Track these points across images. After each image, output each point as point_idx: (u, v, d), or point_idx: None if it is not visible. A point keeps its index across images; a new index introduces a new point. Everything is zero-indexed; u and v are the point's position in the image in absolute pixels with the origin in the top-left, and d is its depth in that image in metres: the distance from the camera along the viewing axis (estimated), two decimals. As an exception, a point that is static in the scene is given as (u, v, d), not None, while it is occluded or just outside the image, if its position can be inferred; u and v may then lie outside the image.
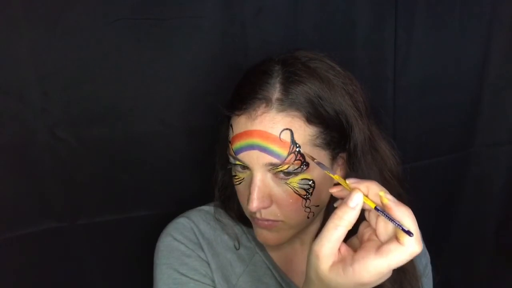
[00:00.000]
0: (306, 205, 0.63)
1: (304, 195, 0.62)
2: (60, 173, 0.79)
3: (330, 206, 0.67)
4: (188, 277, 0.67)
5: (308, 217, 0.64)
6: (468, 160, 1.14)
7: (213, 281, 0.69)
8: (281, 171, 0.60)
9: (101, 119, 0.79)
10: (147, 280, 0.71)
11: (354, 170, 0.64)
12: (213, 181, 0.74)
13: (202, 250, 0.70)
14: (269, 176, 0.61)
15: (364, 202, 0.47)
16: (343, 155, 0.65)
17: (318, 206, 0.65)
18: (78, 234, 0.83)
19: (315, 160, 0.58)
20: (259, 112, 0.60)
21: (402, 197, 0.69)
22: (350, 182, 0.50)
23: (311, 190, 0.62)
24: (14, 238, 0.79)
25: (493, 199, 1.20)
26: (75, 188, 0.81)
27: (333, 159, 0.64)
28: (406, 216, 0.45)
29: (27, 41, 0.72)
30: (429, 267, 0.79)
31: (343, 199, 0.50)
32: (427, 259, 0.79)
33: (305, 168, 0.61)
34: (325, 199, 0.66)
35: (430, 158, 1.09)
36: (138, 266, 0.82)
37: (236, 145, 0.62)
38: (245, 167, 0.63)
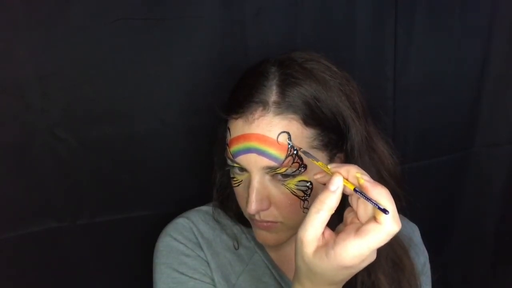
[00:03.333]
0: (304, 206, 0.63)
1: (302, 197, 0.62)
2: (60, 173, 0.79)
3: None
4: (187, 276, 0.67)
5: (306, 218, 0.64)
6: (468, 160, 1.14)
7: (213, 280, 0.69)
8: (279, 173, 0.60)
9: (101, 119, 0.79)
10: (147, 280, 0.71)
11: None
12: (212, 181, 0.74)
13: (202, 249, 0.70)
14: (267, 178, 0.61)
15: (345, 186, 0.48)
16: (341, 155, 0.65)
17: (316, 206, 0.65)
18: (78, 234, 0.83)
19: (301, 149, 0.58)
20: (256, 116, 0.60)
21: (400, 197, 0.69)
22: (331, 166, 0.51)
23: (308, 192, 0.62)
24: (14, 238, 0.79)
25: (493, 199, 1.20)
26: (75, 188, 0.81)
27: (331, 159, 0.64)
28: (382, 196, 0.46)
29: (27, 41, 0.72)
30: (428, 265, 0.79)
31: (324, 184, 0.50)
32: (425, 257, 0.79)
33: (303, 170, 0.61)
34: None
35: (430, 158, 1.09)
36: (138, 266, 0.82)
37: (234, 148, 0.62)
38: (243, 169, 0.63)
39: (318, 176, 0.53)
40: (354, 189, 0.48)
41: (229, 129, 0.63)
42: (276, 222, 0.64)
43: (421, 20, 0.98)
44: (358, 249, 0.45)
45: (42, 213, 0.80)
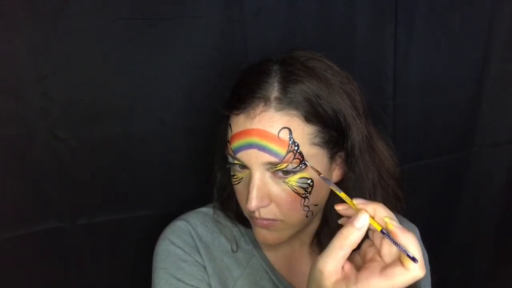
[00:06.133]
0: (305, 204, 0.63)
1: (303, 194, 0.62)
2: (60, 173, 0.79)
3: (328, 206, 0.68)
4: (184, 282, 0.67)
5: (307, 216, 0.64)
6: (468, 160, 1.14)
7: (210, 285, 0.69)
8: (279, 169, 0.60)
9: (101, 119, 0.79)
10: (147, 280, 0.71)
11: (352, 170, 0.65)
12: (212, 181, 0.74)
13: (199, 253, 0.70)
14: (267, 175, 0.61)
15: (369, 223, 0.48)
16: (341, 154, 0.65)
17: (316, 205, 0.65)
18: (78, 234, 0.83)
19: (321, 175, 0.58)
20: (257, 111, 0.60)
21: (400, 197, 0.69)
22: (357, 202, 0.50)
23: (309, 189, 0.62)
24: (14, 238, 0.79)
25: (493, 199, 1.20)
26: (75, 188, 0.81)
27: (331, 158, 0.64)
28: (411, 243, 0.46)
29: (27, 41, 0.72)
30: (428, 266, 0.79)
31: (348, 217, 0.51)
32: (425, 258, 0.79)
33: (303, 167, 0.61)
34: (324, 198, 0.66)
35: (430, 158, 1.09)
36: (138, 266, 0.82)
37: (235, 144, 0.62)
38: (243, 166, 0.63)
39: (340, 208, 0.53)
40: (381, 231, 0.48)
41: (230, 125, 0.64)
42: (276, 220, 0.64)
43: (421, 20, 0.98)
44: None
45: (42, 213, 0.80)
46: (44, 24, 0.72)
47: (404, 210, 0.70)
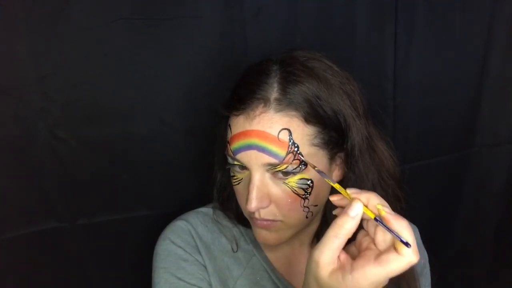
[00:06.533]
0: (305, 204, 0.63)
1: (303, 195, 0.62)
2: (60, 173, 0.79)
3: (328, 207, 0.68)
4: (185, 281, 0.67)
5: (306, 217, 0.64)
6: (468, 160, 1.14)
7: (210, 285, 0.69)
8: (279, 171, 0.60)
9: (101, 119, 0.79)
10: (147, 280, 0.71)
11: (352, 170, 0.65)
12: (212, 181, 0.74)
13: (200, 253, 0.70)
14: (267, 176, 0.61)
15: (363, 212, 0.48)
16: (341, 154, 0.65)
17: (316, 206, 0.65)
18: (78, 234, 0.83)
19: (315, 168, 0.58)
20: (257, 112, 0.60)
21: (400, 197, 0.69)
22: (351, 192, 0.51)
23: (309, 190, 0.62)
24: (14, 238, 0.79)
25: (493, 199, 1.20)
26: (75, 188, 0.81)
27: (331, 158, 0.64)
28: (404, 228, 0.46)
29: (27, 41, 0.72)
30: (428, 267, 0.79)
31: (342, 207, 0.51)
32: (425, 259, 0.79)
33: (303, 167, 0.61)
34: (324, 199, 0.66)
35: (430, 158, 1.09)
36: (137, 266, 0.82)
37: (235, 145, 0.62)
38: (243, 167, 0.63)
39: (334, 198, 0.53)
40: (375, 219, 0.48)
41: (230, 126, 0.64)
42: (276, 221, 0.64)
43: (421, 20, 0.98)
44: (377, 276, 0.46)
45: (42, 213, 0.80)
46: (44, 24, 0.72)
47: (404, 210, 0.70)
